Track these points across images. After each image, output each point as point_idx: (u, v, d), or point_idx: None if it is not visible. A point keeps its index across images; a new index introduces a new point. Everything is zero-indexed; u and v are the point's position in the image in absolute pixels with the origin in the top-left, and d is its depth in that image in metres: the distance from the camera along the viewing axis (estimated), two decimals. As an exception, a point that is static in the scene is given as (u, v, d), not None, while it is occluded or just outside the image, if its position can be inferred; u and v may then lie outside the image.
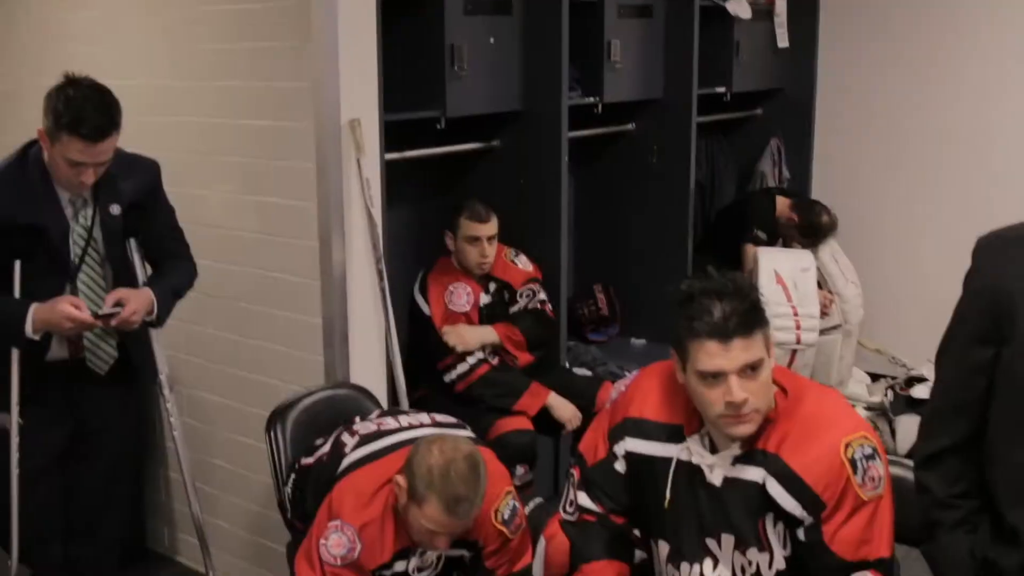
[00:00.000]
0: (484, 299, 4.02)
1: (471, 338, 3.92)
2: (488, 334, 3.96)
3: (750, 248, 5.06)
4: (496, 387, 3.89)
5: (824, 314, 5.01)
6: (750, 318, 2.14)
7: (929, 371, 5.21)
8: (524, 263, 4.12)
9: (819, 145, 5.71)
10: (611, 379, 4.28)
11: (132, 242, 3.08)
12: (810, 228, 5.15)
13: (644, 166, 4.91)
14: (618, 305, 5.03)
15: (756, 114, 5.79)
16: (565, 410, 3.94)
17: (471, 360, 3.89)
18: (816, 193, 5.68)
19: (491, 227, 3.93)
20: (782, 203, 5.27)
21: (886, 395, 5.16)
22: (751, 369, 2.13)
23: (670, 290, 2.24)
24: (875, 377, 5.45)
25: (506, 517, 2.77)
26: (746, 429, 2.17)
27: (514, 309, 4.07)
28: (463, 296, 3.97)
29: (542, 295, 4.11)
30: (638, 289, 4.99)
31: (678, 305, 2.18)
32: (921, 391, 5.08)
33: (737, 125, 5.81)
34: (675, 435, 2.32)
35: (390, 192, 3.48)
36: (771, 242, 5.19)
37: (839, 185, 5.60)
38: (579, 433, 3.99)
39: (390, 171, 3.49)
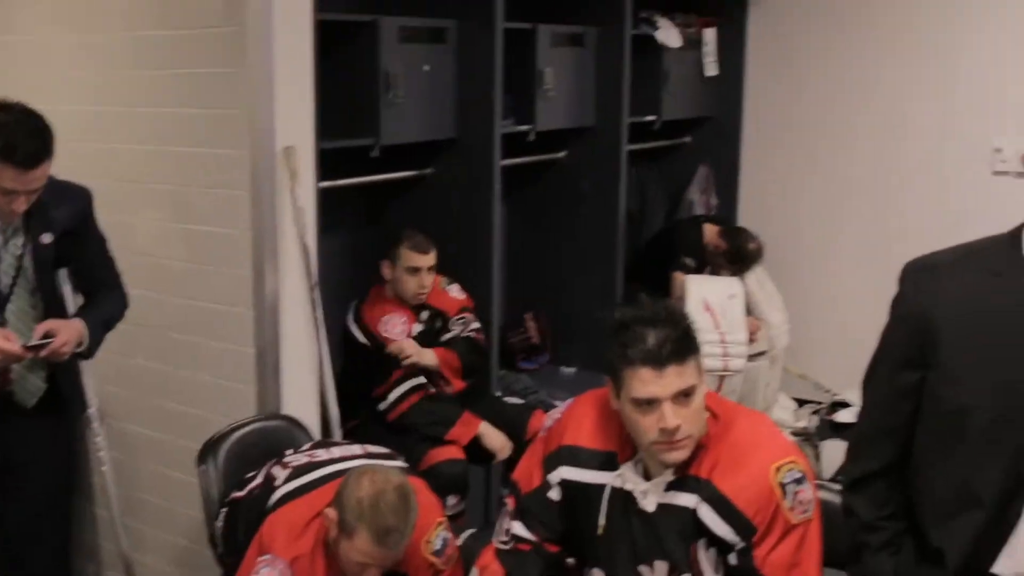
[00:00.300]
0: (416, 328, 4.02)
1: (424, 354, 3.93)
2: (431, 356, 3.97)
3: (679, 276, 5.11)
4: (428, 416, 3.89)
5: (751, 340, 5.08)
6: (683, 345, 2.17)
7: (853, 396, 5.31)
8: (457, 292, 4.13)
9: (746, 172, 5.80)
10: (542, 407, 4.29)
11: (63, 271, 3.03)
12: (737, 255, 5.22)
13: (575, 194, 4.96)
14: (549, 333, 5.05)
15: (685, 142, 5.87)
16: (496, 440, 3.95)
17: (404, 388, 3.88)
18: (743, 220, 5.75)
19: (431, 258, 3.94)
20: (710, 230, 5.33)
21: (811, 420, 5.26)
22: (684, 396, 2.16)
23: (603, 318, 2.27)
24: (801, 403, 5.52)
25: (437, 548, 2.75)
26: (680, 455, 2.20)
27: (447, 336, 4.08)
28: (398, 326, 3.96)
29: (475, 324, 4.12)
30: (569, 317, 5.02)
31: (612, 333, 2.20)
32: (845, 416, 5.18)
33: (666, 153, 5.87)
34: (609, 462, 2.34)
35: (323, 220, 3.47)
36: (699, 269, 5.24)
37: (766, 212, 5.69)
38: (510, 463, 4.00)
39: (323, 199, 3.48)
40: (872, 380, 2.08)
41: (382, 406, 3.88)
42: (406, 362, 3.89)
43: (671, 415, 2.14)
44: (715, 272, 5.28)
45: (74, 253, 3.03)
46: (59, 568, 3.36)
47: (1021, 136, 5.02)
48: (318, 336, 3.45)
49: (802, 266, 5.68)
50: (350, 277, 4.17)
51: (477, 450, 3.93)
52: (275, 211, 3.26)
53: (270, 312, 3.29)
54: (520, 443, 3.93)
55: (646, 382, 2.15)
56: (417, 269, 3.91)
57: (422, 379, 3.94)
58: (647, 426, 2.17)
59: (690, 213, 5.76)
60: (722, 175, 5.80)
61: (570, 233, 4.98)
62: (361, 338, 3.93)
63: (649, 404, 2.16)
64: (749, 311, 5.16)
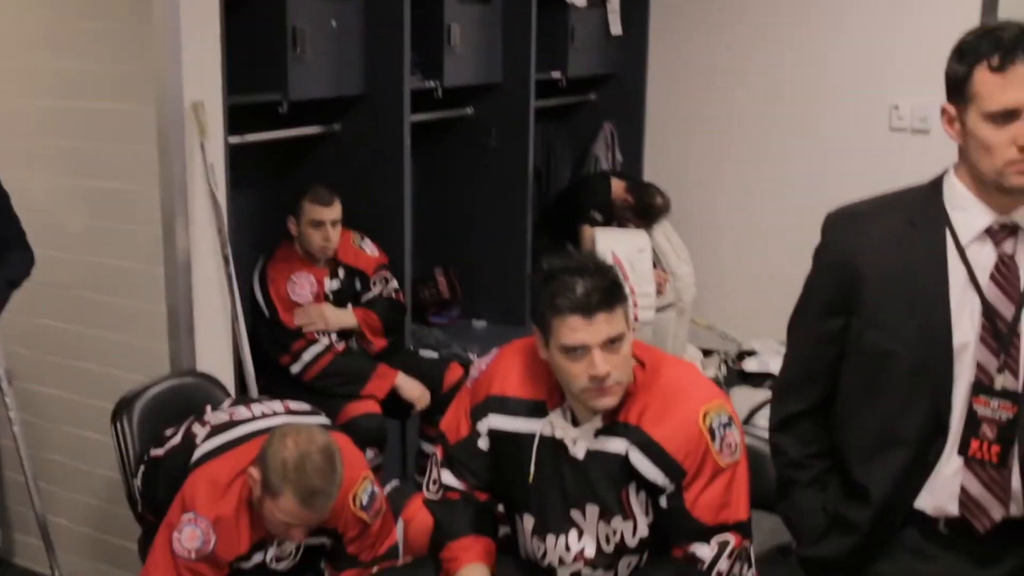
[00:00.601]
0: (332, 284, 3.98)
1: (333, 319, 3.90)
2: (346, 317, 3.94)
3: (587, 229, 5.15)
4: (342, 375, 3.86)
5: (659, 293, 5.15)
6: (611, 294, 2.20)
7: (758, 346, 5.44)
8: (371, 248, 4.09)
9: (651, 129, 5.83)
10: (457, 360, 4.31)
11: None
12: (645, 209, 5.27)
13: (483, 150, 4.94)
14: (459, 287, 5.05)
15: (590, 99, 5.87)
16: (414, 390, 3.94)
17: (316, 349, 3.84)
18: (648, 175, 5.80)
19: (334, 211, 3.88)
20: (617, 185, 5.37)
21: (720, 369, 5.36)
22: (613, 343, 2.19)
23: (528, 272, 2.28)
24: (707, 353, 5.62)
25: (364, 503, 2.74)
26: (609, 401, 2.23)
27: (368, 296, 4.05)
28: (306, 287, 3.90)
29: (394, 283, 4.10)
30: (478, 271, 5.01)
31: (541, 284, 2.22)
32: (752, 364, 5.31)
33: (572, 110, 5.89)
34: (537, 410, 2.36)
35: (231, 177, 3.41)
36: (607, 223, 5.29)
37: (670, 167, 5.74)
38: (427, 415, 4.01)
39: (232, 156, 3.42)
40: (797, 326, 2.13)
41: (295, 369, 3.84)
42: (308, 328, 3.85)
43: (601, 362, 2.17)
44: (622, 226, 5.33)
45: None
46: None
47: (917, 94, 5.14)
48: (232, 292, 3.40)
49: (707, 219, 5.76)
50: (260, 235, 4.11)
51: (394, 403, 3.93)
52: (185, 167, 3.20)
53: (182, 269, 3.23)
54: (437, 396, 3.94)
55: (576, 329, 2.17)
56: (320, 223, 3.85)
57: (328, 340, 3.90)
58: (577, 373, 2.20)
59: (596, 169, 5.79)
60: (627, 131, 5.82)
61: (478, 188, 4.96)
62: (263, 306, 3.85)
63: (579, 351, 2.18)
64: (656, 264, 5.22)
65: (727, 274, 5.72)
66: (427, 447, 4.07)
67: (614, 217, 5.35)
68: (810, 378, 2.09)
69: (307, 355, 3.84)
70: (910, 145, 5.15)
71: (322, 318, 3.88)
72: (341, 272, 4.00)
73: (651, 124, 5.86)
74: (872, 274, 1.94)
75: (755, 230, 5.63)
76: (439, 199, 5.03)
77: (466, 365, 4.29)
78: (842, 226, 2.04)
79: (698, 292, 5.52)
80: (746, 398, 4.58)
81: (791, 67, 5.47)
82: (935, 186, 1.96)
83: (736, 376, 5.22)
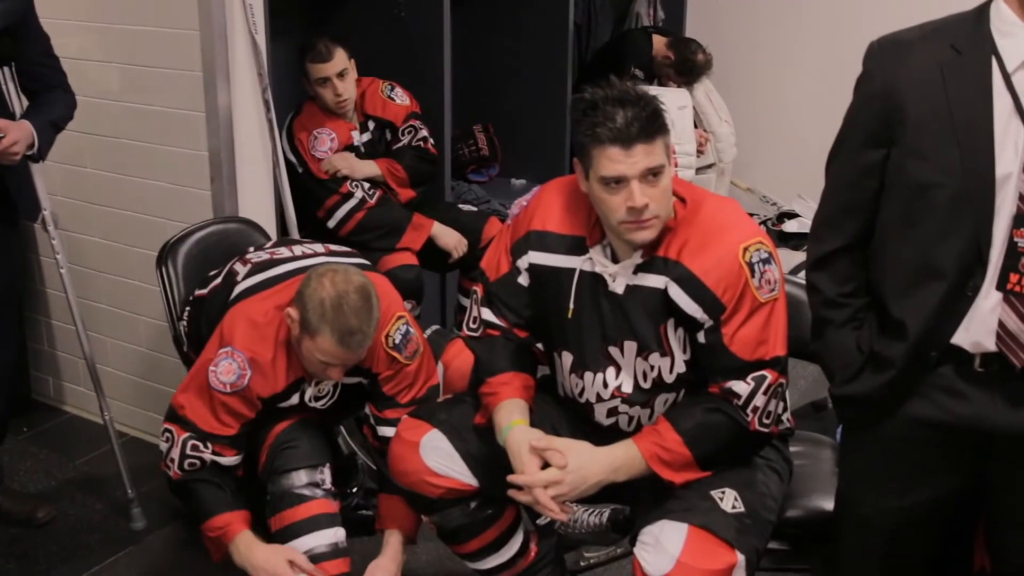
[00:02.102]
0: (362, 138, 3.92)
1: (358, 168, 3.86)
2: (371, 167, 3.90)
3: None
4: (378, 229, 3.85)
5: (700, 152, 5.10)
6: (652, 125, 2.17)
7: (799, 208, 5.39)
8: (401, 97, 4.00)
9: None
10: (496, 215, 4.31)
11: (6, 70, 2.91)
12: (686, 66, 5.19)
13: (525, 2, 4.85)
14: (498, 145, 5.02)
15: (633, -48, 5.76)
16: (450, 238, 3.93)
17: (351, 203, 3.82)
18: (690, 33, 5.71)
19: (336, 64, 3.73)
20: (658, 41, 5.29)
21: (759, 230, 5.32)
22: (652, 175, 2.17)
23: (573, 99, 2.25)
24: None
25: (397, 342, 2.75)
26: (647, 235, 2.21)
27: (397, 147, 4.00)
28: (326, 142, 3.81)
29: (424, 132, 4.03)
30: (518, 129, 4.98)
31: (581, 113, 2.19)
32: (792, 226, 5.26)
33: (613, -36, 5.77)
34: (577, 246, 2.35)
35: (270, 26, 3.37)
36: (648, 81, 5.22)
37: (713, 24, 5.64)
38: (465, 268, 4.02)
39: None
40: (836, 159, 2.10)
41: (330, 224, 3.83)
42: (339, 174, 3.81)
43: (639, 193, 2.15)
44: (663, 84, 5.27)
45: (17, 51, 2.91)
46: (13, 379, 3.34)
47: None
48: (272, 137, 3.40)
49: (749, 79, 5.68)
50: (294, 85, 4.07)
51: (432, 254, 3.93)
52: (224, 9, 3.16)
53: (223, 114, 3.23)
54: (475, 249, 3.94)
55: (614, 160, 2.15)
56: (326, 79, 3.74)
57: (362, 193, 3.86)
58: (615, 205, 2.18)
59: (637, 25, 5.69)
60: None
61: (519, 44, 4.89)
62: (295, 162, 3.80)
63: (617, 183, 2.16)
64: (697, 123, 5.17)
65: (768, 135, 5.66)
66: (465, 301, 4.09)
67: (655, 75, 5.28)
68: (848, 212, 2.07)
69: (340, 212, 3.82)
70: None
71: (348, 165, 3.83)
72: (371, 124, 3.95)
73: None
74: (914, 102, 1.91)
75: (798, 90, 5.56)
76: (479, 55, 4.97)
77: (504, 219, 4.30)
78: (885, 54, 1.99)
79: (738, 153, 5.47)
80: (787, 260, 4.53)
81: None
82: (981, 12, 1.91)
83: (776, 238, 5.17)
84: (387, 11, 4.12)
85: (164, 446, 2.67)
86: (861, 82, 2.03)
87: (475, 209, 4.32)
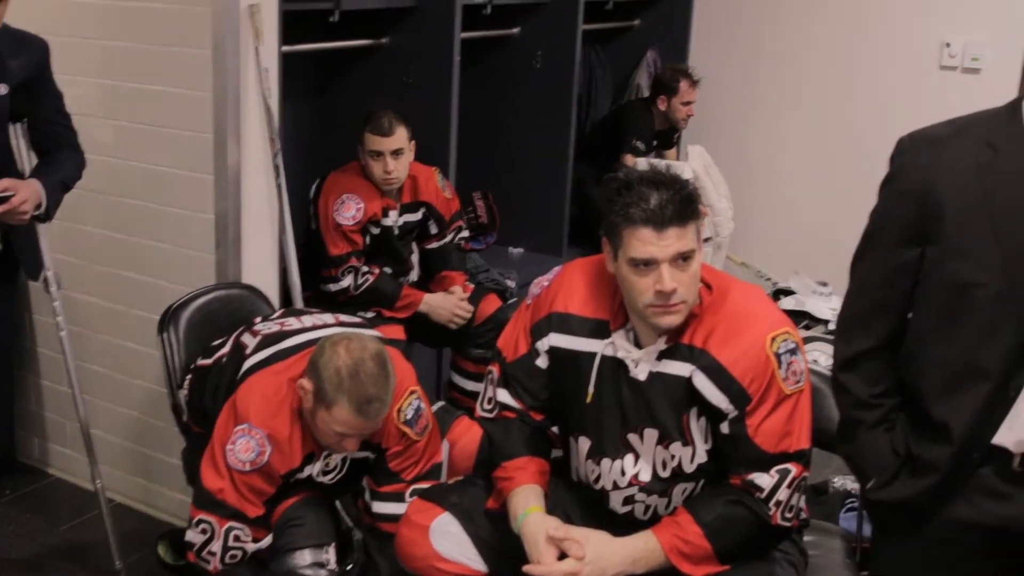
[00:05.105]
0: (400, 219, 3.85)
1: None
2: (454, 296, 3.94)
3: (629, 158, 5.09)
4: (372, 297, 3.80)
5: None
6: (686, 209, 2.14)
7: (795, 284, 5.39)
8: (451, 193, 3.99)
9: (695, 58, 5.72)
10: (493, 286, 4.27)
11: (18, 127, 2.87)
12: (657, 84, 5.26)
13: (528, 72, 4.85)
14: (497, 213, 5.00)
15: (634, 25, 5.78)
16: (443, 310, 3.87)
17: (346, 282, 3.75)
18: (687, 107, 5.72)
19: (396, 140, 3.67)
20: (659, 114, 5.31)
21: (756, 306, 5.31)
22: (683, 259, 2.14)
23: (605, 179, 2.23)
24: (742, 290, 5.57)
25: (408, 417, 2.70)
26: (673, 320, 2.18)
27: (440, 243, 3.99)
28: (352, 209, 3.71)
29: (465, 232, 4.06)
30: (518, 198, 4.95)
31: (615, 192, 2.17)
32: (787, 303, 5.26)
33: (614, 36, 5.80)
34: (600, 330, 2.32)
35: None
36: (648, 152, 5.24)
37: (714, 99, 5.64)
38: (459, 346, 3.98)
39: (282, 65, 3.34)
40: (865, 257, 2.06)
41: (332, 288, 3.76)
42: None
43: (668, 277, 2.12)
44: (660, 153, 5.29)
45: (30, 108, 2.87)
46: (1, 437, 3.26)
47: (970, 31, 5.04)
48: (280, 203, 3.34)
49: (748, 154, 5.69)
50: (307, 149, 4.05)
51: (429, 330, 3.89)
52: (239, 72, 3.13)
53: (232, 177, 3.18)
54: (470, 328, 3.92)
55: (646, 242, 2.12)
56: (379, 153, 3.67)
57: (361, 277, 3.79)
58: (643, 288, 2.15)
59: (637, 96, 5.71)
60: (670, 60, 5.72)
61: (521, 113, 4.88)
62: (311, 215, 3.76)
63: (647, 265, 2.14)
64: (696, 197, 5.15)
65: (765, 212, 5.67)
66: (457, 378, 4.04)
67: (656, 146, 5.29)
68: (879, 311, 2.03)
69: (334, 287, 3.76)
70: (961, 84, 5.06)
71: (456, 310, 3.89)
72: (421, 211, 3.90)
73: (695, 54, 5.75)
74: (952, 200, 1.87)
75: (796, 168, 5.56)
76: (480, 123, 4.93)
77: (502, 292, 4.26)
78: (918, 150, 1.96)
79: (735, 228, 5.47)
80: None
81: (842, 4, 5.38)
82: (1014, 107, 1.90)
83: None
84: (396, 78, 4.09)
85: (198, 538, 2.57)
86: (894, 178, 1.99)
87: (473, 286, 4.22)
